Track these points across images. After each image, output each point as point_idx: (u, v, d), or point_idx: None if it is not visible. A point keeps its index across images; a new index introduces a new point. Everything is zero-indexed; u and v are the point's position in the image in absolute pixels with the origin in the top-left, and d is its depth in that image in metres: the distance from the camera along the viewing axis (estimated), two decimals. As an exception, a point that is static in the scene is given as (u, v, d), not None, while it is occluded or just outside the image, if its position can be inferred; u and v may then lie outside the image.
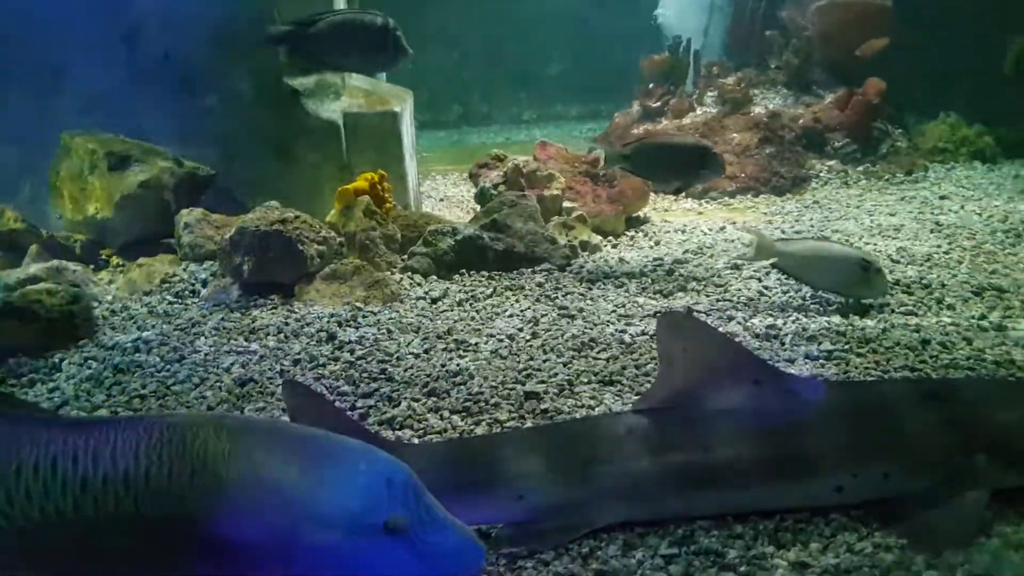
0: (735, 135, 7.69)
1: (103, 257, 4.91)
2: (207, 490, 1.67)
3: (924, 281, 4.36)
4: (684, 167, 4.75)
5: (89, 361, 3.61)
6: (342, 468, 1.74)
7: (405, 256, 4.88)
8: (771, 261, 4.10)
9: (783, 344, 3.63)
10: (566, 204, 5.78)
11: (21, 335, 3.62)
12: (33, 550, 1.71)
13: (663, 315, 2.55)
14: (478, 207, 5.56)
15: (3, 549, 1.70)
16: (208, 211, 4.93)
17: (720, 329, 3.80)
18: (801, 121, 7.79)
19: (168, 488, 1.67)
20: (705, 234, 5.83)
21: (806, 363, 3.41)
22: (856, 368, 3.31)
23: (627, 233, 5.96)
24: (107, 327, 4.04)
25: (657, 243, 5.67)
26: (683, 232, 5.93)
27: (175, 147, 5.29)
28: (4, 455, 1.70)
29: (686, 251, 5.30)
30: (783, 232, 5.74)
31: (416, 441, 2.85)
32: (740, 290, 4.37)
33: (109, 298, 4.38)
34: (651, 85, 8.67)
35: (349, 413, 3.05)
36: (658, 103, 8.55)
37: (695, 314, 3.91)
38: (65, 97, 5.14)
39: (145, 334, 3.88)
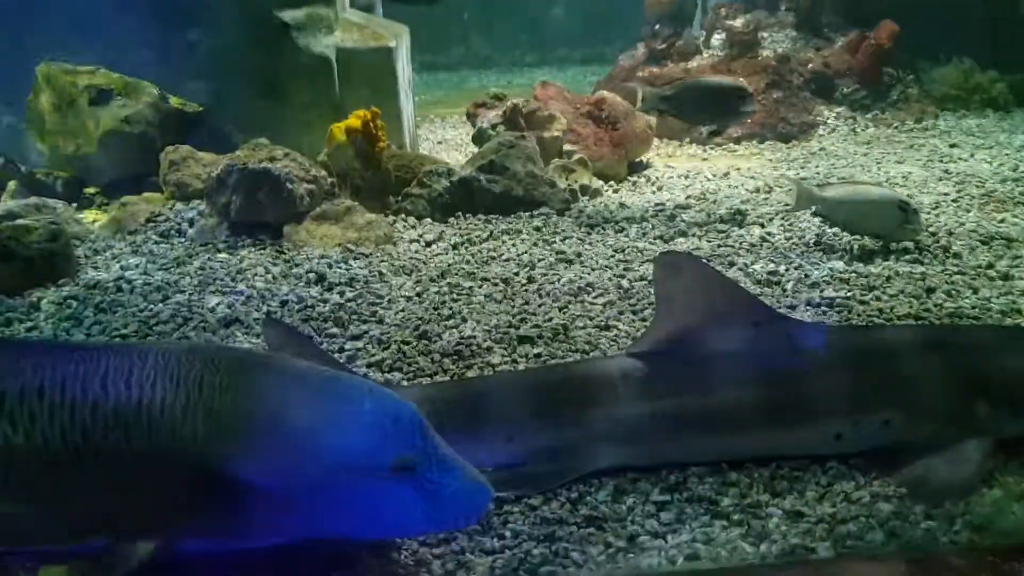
0: (742, 79, 7.45)
1: (87, 195, 4.77)
2: (208, 425, 1.61)
3: (931, 229, 4.23)
4: (723, 108, 4.84)
5: (69, 300, 3.50)
6: (347, 406, 1.67)
7: (399, 198, 4.74)
8: (814, 209, 4.01)
9: (784, 291, 3.53)
10: (567, 147, 5.62)
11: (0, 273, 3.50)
12: (30, 476, 1.65)
13: (662, 255, 2.44)
14: (475, 149, 5.40)
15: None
16: (195, 149, 4.77)
17: (727, 273, 3.70)
18: (810, 65, 7.55)
19: (171, 424, 1.60)
20: (708, 180, 5.68)
21: (807, 310, 3.31)
22: (859, 316, 3.21)
23: (629, 178, 5.81)
24: (89, 266, 3.93)
25: (660, 188, 5.52)
26: (686, 178, 5.77)
27: (161, 82, 5.11)
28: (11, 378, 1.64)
29: (688, 196, 5.16)
30: (788, 179, 5.59)
31: (404, 383, 2.76)
32: (742, 236, 4.25)
33: (92, 236, 4.25)
34: (656, 27, 8.39)
35: (336, 355, 2.96)
36: (663, 45, 8.28)
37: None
38: (44, 28, 4.93)
39: (128, 273, 3.77)
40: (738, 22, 7.99)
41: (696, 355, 2.22)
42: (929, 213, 4.58)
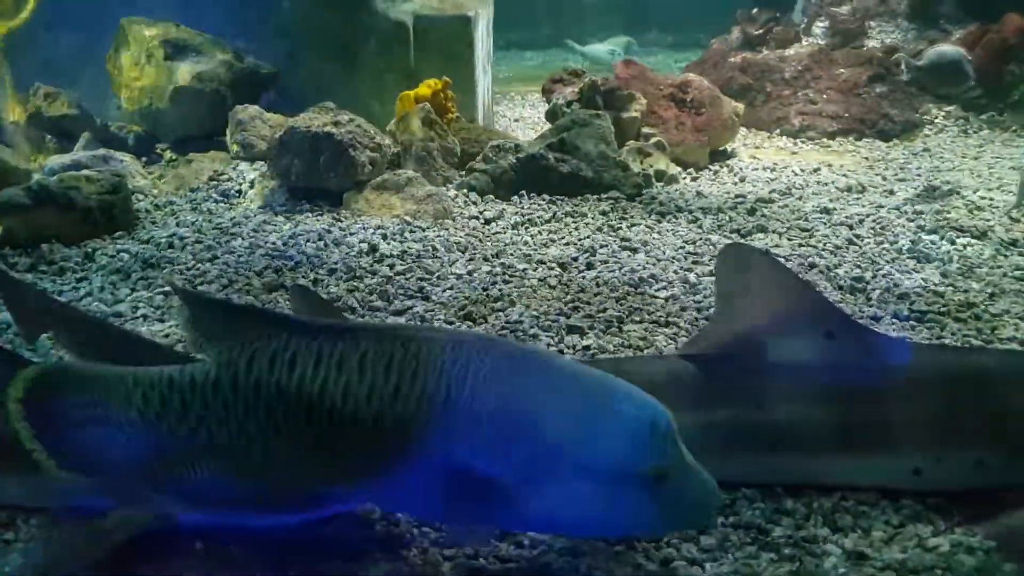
0: (843, 70, 6.97)
1: (157, 151, 4.78)
2: (450, 414, 1.55)
3: (1046, 244, 3.80)
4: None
5: (121, 253, 3.47)
6: (606, 408, 1.61)
7: (464, 172, 4.57)
8: None
9: (869, 299, 3.19)
10: (645, 129, 5.33)
11: (58, 222, 3.50)
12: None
13: (727, 247, 2.18)
14: (549, 126, 5.18)
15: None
16: (265, 110, 4.71)
17: (804, 276, 3.39)
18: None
19: (405, 407, 1.54)
20: (796, 175, 5.30)
21: (893, 324, 2.98)
22: (953, 335, 2.87)
23: (711, 167, 5.48)
24: (147, 221, 3.91)
25: (742, 180, 5.18)
26: (772, 171, 5.41)
27: (238, 42, 5.08)
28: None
29: (772, 191, 4.81)
30: (884, 179, 5.16)
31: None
32: (827, 236, 3.91)
33: (155, 192, 4.24)
34: (755, 10, 7.95)
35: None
36: (760, 30, 7.84)
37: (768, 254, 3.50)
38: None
39: (182, 230, 3.72)
40: (844, 8, 7.49)
41: (757, 362, 1.96)
42: (1044, 226, 4.12)
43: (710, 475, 1.65)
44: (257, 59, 5.14)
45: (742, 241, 3.86)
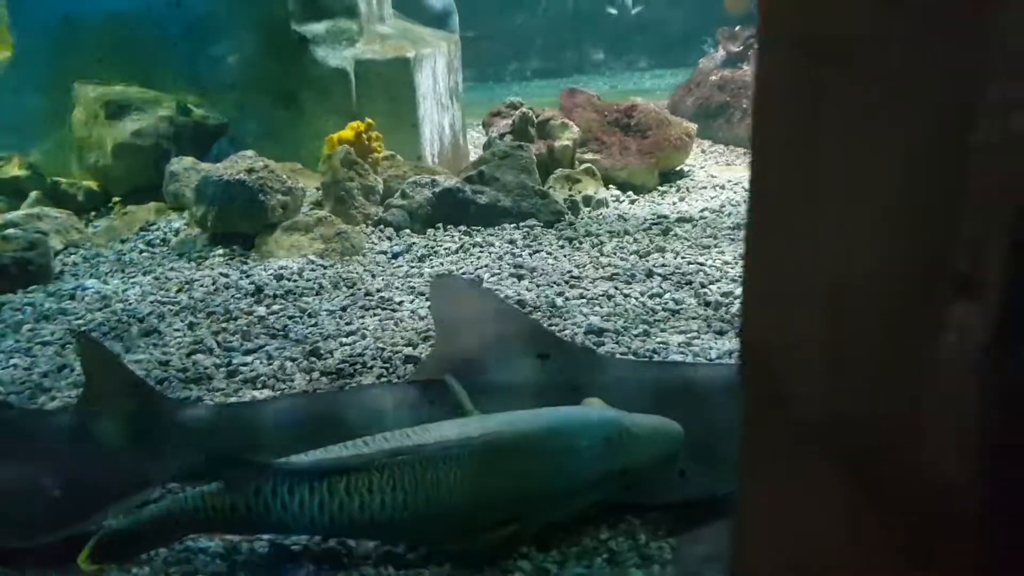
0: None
1: (111, 204, 5.03)
2: None
3: None
4: None
5: (26, 307, 3.66)
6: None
7: (384, 208, 4.65)
8: None
9: (727, 314, 3.09)
10: (588, 156, 5.32)
11: (-24, 278, 3.73)
12: None
13: (436, 278, 2.18)
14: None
15: None
16: (216, 160, 4.90)
17: (675, 294, 3.32)
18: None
19: None
20: (745, 191, 5.17)
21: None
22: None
23: (660, 187, 5.42)
24: (69, 274, 4.11)
25: (683, 199, 5.10)
26: (723, 188, 5.31)
27: (193, 96, 5.34)
28: None
29: (704, 209, 4.72)
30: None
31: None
32: (722, 253, 3.81)
33: (87, 245, 4.46)
34: (737, 28, 7.84)
35: (219, 372, 2.90)
36: (741, 47, 7.73)
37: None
38: (83, 46, 5.28)
39: (87, 281, 3.90)
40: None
41: (476, 384, 1.94)
42: None
43: None
44: (208, 111, 5.38)
45: (640, 263, 3.80)
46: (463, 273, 3.81)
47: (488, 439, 1.75)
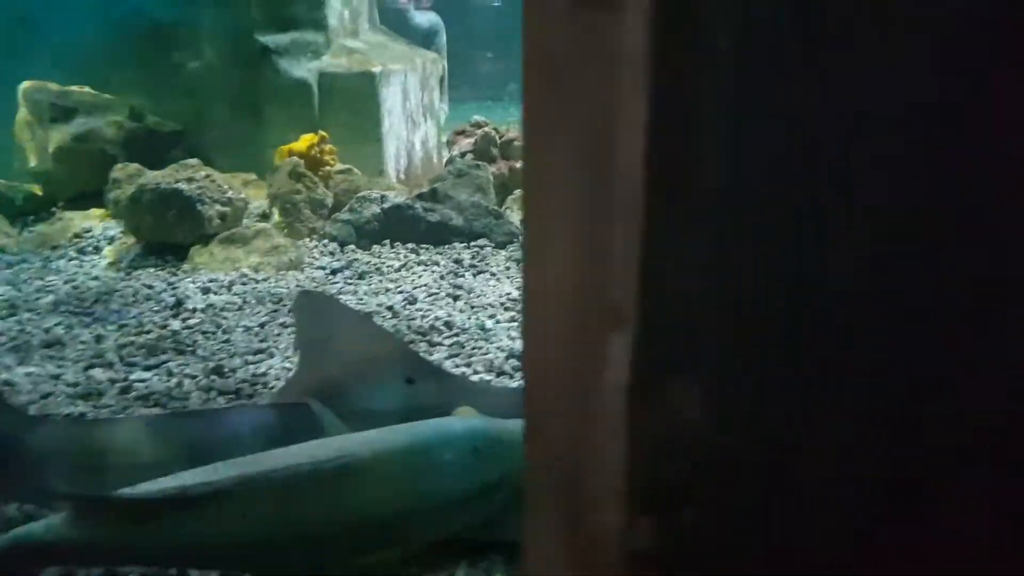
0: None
1: (53, 210, 4.85)
2: None
3: None
4: None
5: (-70, 313, 3.46)
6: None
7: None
8: None
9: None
10: (552, 178, 5.14)
11: None
12: None
13: (300, 294, 1.99)
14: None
15: None
16: (150, 167, 4.72)
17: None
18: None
19: None
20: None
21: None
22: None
23: (628, 214, 5.22)
24: (-11, 280, 3.91)
25: (648, 226, 4.90)
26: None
27: (148, 102, 5.19)
28: None
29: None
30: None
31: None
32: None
33: (15, 250, 4.27)
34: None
35: (105, 388, 2.69)
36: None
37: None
38: (35, 49, 5.13)
39: (2, 288, 3.70)
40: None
41: (340, 407, 1.74)
42: None
43: None
44: (163, 118, 5.22)
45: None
46: (400, 292, 3.61)
47: (343, 462, 1.59)
